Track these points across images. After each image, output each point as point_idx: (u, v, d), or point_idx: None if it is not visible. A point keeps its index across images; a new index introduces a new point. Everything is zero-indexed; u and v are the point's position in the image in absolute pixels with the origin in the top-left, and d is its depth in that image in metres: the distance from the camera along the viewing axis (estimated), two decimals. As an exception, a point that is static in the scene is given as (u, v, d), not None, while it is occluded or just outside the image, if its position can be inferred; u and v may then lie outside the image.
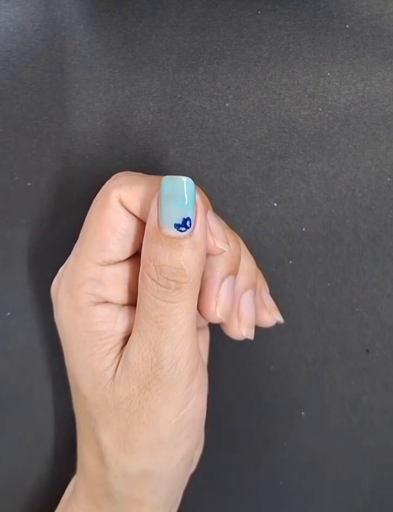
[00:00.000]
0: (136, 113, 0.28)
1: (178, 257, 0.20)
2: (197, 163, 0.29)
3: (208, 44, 0.28)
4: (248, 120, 0.28)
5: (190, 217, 0.20)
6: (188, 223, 0.20)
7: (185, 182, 0.20)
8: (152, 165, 0.29)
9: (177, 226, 0.20)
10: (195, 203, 0.20)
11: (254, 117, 0.28)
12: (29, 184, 0.29)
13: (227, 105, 0.28)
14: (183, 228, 0.20)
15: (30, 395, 0.29)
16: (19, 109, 0.28)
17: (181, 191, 0.20)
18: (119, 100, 0.28)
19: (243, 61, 0.28)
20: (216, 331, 0.26)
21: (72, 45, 0.28)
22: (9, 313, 0.29)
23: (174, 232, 0.20)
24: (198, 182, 0.28)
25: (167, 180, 0.20)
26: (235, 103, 0.28)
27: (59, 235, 0.29)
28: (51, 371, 0.29)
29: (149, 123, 0.28)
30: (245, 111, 0.28)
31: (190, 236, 0.20)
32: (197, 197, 0.20)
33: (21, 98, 0.28)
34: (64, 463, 0.30)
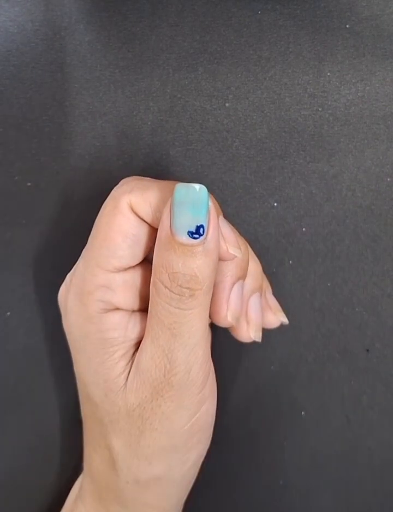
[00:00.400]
0: (136, 113, 0.28)
1: (191, 264, 0.20)
2: (197, 163, 0.29)
3: (208, 44, 0.28)
4: (248, 120, 0.28)
5: (204, 224, 0.20)
6: (201, 230, 0.20)
7: (198, 189, 0.19)
8: (152, 165, 0.29)
9: (190, 233, 0.20)
10: (208, 210, 0.20)
11: (254, 117, 0.28)
12: (29, 184, 0.29)
13: (227, 105, 0.28)
14: (196, 236, 0.20)
15: (31, 395, 0.29)
16: (19, 109, 0.28)
17: (194, 198, 0.19)
18: (119, 100, 0.28)
19: (243, 61, 0.28)
20: (216, 331, 0.26)
21: (72, 44, 0.28)
22: (9, 313, 0.29)
23: (187, 239, 0.20)
24: (199, 181, 0.28)
25: (181, 187, 0.20)
26: (235, 103, 0.28)
27: (59, 235, 0.29)
28: (51, 371, 0.29)
29: (149, 123, 0.28)
30: (245, 111, 0.28)
31: (203, 243, 0.20)
32: (210, 204, 0.20)
33: (21, 98, 0.28)
34: (65, 463, 0.30)
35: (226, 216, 0.25)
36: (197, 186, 0.19)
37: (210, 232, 0.20)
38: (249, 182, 0.29)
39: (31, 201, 0.29)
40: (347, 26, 0.28)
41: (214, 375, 0.24)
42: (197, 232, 0.20)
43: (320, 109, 0.28)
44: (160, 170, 0.28)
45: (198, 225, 0.19)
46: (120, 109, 0.28)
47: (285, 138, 0.28)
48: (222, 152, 0.28)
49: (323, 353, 0.29)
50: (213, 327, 0.28)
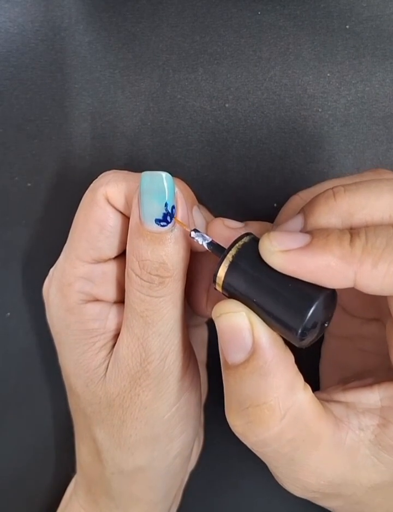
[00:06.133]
0: (136, 114, 0.28)
1: (160, 251, 0.20)
2: (197, 163, 0.29)
3: (208, 45, 0.28)
4: (248, 120, 0.28)
5: (171, 212, 0.20)
6: (168, 218, 0.20)
7: (163, 177, 0.20)
8: (152, 165, 0.29)
9: (158, 221, 0.20)
10: (174, 197, 0.20)
11: (254, 118, 0.28)
12: (29, 184, 0.29)
13: (227, 105, 0.28)
14: (163, 223, 0.20)
15: (30, 395, 0.29)
16: (19, 110, 0.28)
17: (159, 186, 0.20)
18: (119, 101, 0.28)
19: (243, 62, 0.28)
20: (214, 331, 0.26)
21: (72, 45, 0.28)
22: (8, 314, 0.29)
23: (155, 227, 0.20)
24: (199, 182, 0.28)
25: (146, 176, 0.20)
26: (235, 103, 0.28)
27: (58, 235, 0.29)
28: (51, 372, 0.29)
29: (149, 123, 0.28)
30: (245, 111, 0.28)
31: (172, 230, 0.20)
32: (177, 192, 0.20)
33: (21, 98, 0.28)
34: (64, 462, 0.30)
35: (226, 217, 0.25)
36: (163, 174, 0.20)
37: (179, 220, 0.20)
38: (249, 182, 0.29)
39: (31, 201, 0.29)
40: (347, 27, 0.28)
41: (198, 366, 0.24)
42: (164, 219, 0.20)
43: (319, 110, 0.28)
44: (160, 170, 0.28)
45: (165, 212, 0.20)
46: (120, 110, 0.28)
47: (285, 138, 0.28)
48: (222, 152, 0.28)
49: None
50: (211, 325, 0.28)
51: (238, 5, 0.28)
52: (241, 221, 0.25)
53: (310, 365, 0.28)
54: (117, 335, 0.22)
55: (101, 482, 0.23)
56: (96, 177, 0.22)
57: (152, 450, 0.22)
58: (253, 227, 0.22)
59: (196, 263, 0.22)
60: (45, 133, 0.28)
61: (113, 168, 0.23)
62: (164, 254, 0.20)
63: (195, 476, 0.27)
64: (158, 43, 0.28)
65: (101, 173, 0.23)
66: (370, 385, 0.20)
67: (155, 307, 0.20)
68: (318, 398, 0.19)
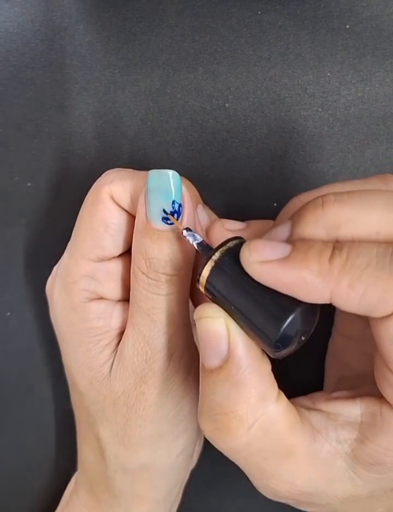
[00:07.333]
0: (136, 113, 0.28)
1: (166, 250, 0.20)
2: (197, 163, 0.29)
3: (208, 44, 0.28)
4: (248, 120, 0.28)
5: (177, 210, 0.20)
6: (175, 216, 0.20)
7: (170, 175, 0.20)
8: (152, 165, 0.29)
9: (165, 219, 0.20)
10: (181, 196, 0.20)
11: (254, 117, 0.28)
12: (29, 184, 0.29)
13: (227, 105, 0.28)
14: (170, 222, 0.20)
15: (30, 395, 0.29)
16: (19, 109, 0.28)
17: (167, 184, 0.20)
18: (119, 100, 0.28)
19: (243, 62, 0.28)
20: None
21: (72, 45, 0.28)
22: (9, 313, 0.29)
23: (162, 225, 0.20)
24: (199, 182, 0.28)
25: (153, 174, 0.20)
26: (235, 103, 0.28)
27: (59, 235, 0.29)
28: (51, 372, 0.29)
29: (149, 123, 0.28)
30: (245, 111, 0.28)
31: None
32: (184, 190, 0.20)
33: (21, 98, 0.28)
34: (64, 462, 0.30)
35: (226, 217, 0.25)
36: (169, 172, 0.20)
37: (185, 218, 0.20)
38: (249, 182, 0.29)
39: (31, 201, 0.29)
40: (347, 26, 0.28)
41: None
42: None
43: (319, 109, 0.28)
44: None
45: (172, 210, 0.20)
46: (120, 109, 0.28)
47: (285, 138, 0.28)
48: (222, 152, 0.29)
49: (323, 354, 0.29)
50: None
51: (238, 5, 0.28)
52: (242, 221, 0.25)
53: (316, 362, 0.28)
54: (121, 334, 0.22)
55: (103, 481, 0.24)
56: (97, 177, 0.22)
57: (156, 448, 0.23)
58: (255, 226, 0.22)
59: (202, 262, 0.23)
60: (45, 133, 0.28)
61: (113, 168, 0.23)
62: (171, 252, 0.20)
63: (195, 476, 0.27)
64: (158, 43, 0.28)
65: (101, 173, 0.23)
66: (353, 397, 0.20)
67: (162, 305, 0.21)
68: (300, 405, 0.19)
